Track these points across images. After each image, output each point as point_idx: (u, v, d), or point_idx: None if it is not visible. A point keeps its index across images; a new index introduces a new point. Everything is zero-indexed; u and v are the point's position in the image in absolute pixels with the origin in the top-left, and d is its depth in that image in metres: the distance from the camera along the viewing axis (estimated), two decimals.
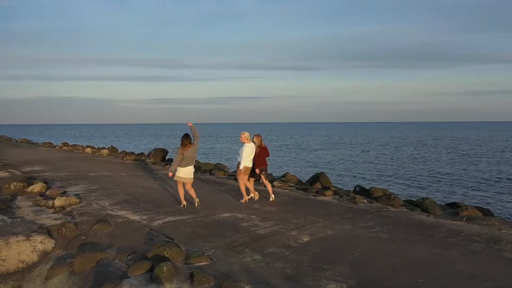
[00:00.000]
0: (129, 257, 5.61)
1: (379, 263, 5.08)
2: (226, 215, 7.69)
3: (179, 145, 8.12)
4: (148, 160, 17.10)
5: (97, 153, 21.77)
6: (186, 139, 8.03)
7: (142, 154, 20.00)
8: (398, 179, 21.90)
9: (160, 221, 7.25)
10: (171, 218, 7.44)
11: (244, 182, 8.75)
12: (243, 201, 8.81)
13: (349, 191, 11.36)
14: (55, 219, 7.70)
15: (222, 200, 9.17)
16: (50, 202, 8.65)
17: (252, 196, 8.89)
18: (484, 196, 17.01)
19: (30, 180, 12.10)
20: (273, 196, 8.98)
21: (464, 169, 25.71)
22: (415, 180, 21.40)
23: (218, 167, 17.06)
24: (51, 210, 8.39)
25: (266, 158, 8.96)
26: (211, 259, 5.31)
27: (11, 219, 7.56)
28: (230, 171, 16.01)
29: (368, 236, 6.28)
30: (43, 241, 6.67)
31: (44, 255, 6.48)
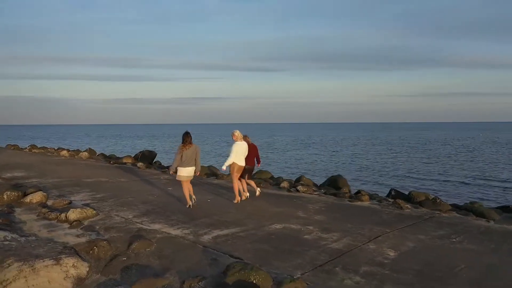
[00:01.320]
0: (200, 284, 4.65)
1: (502, 282, 4.48)
2: (278, 226, 6.84)
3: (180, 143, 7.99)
4: (139, 164, 15.77)
5: (76, 156, 20.02)
6: (187, 137, 7.91)
7: (129, 156, 18.53)
8: (406, 179, 21.51)
9: (209, 236, 6.28)
10: (219, 232, 6.49)
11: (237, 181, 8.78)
12: (235, 201, 8.70)
13: (376, 194, 10.78)
14: (77, 236, 6.51)
15: (258, 207, 8.29)
16: (63, 215, 7.39)
17: (247, 196, 8.97)
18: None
19: (18, 188, 10.61)
20: (258, 190, 9.41)
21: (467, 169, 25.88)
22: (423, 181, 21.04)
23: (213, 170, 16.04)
24: (66, 225, 7.15)
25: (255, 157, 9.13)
26: (307, 283, 4.47)
27: (23, 237, 6.31)
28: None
29: (455, 248, 5.69)
30: (75, 264, 5.50)
31: (79, 282, 5.33)
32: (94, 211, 7.69)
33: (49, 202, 8.81)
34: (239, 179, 8.86)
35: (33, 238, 6.40)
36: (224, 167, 8.50)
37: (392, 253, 5.44)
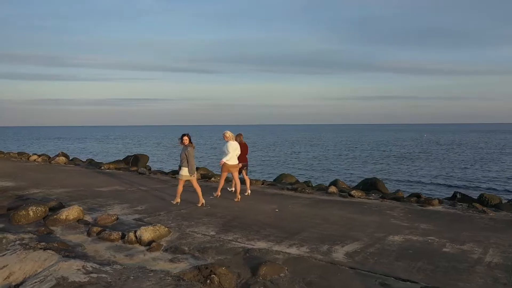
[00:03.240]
0: None
1: None
2: (396, 238, 6.04)
3: (188, 144, 8.07)
4: (143, 169, 14.13)
5: (52, 162, 17.68)
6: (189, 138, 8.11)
7: (118, 161, 16.64)
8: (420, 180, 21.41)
9: (338, 254, 5.33)
10: (345, 248, 5.54)
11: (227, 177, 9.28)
12: (215, 195, 9.10)
13: (431, 198, 10.32)
14: (171, 261, 5.23)
15: (341, 216, 7.44)
16: (131, 235, 5.99)
17: (233, 190, 9.21)
18: None
19: (23, 201, 8.82)
20: (249, 191, 9.61)
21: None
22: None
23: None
24: (141, 247, 5.79)
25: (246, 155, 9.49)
26: None
27: (107, 266, 4.92)
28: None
29: None
30: None
31: None
32: (166, 228, 6.37)
33: (88, 218, 7.30)
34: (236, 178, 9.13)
35: (119, 266, 5.04)
36: (222, 162, 8.75)
37: None
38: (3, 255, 5.24)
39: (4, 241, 5.82)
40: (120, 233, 6.21)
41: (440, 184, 19.73)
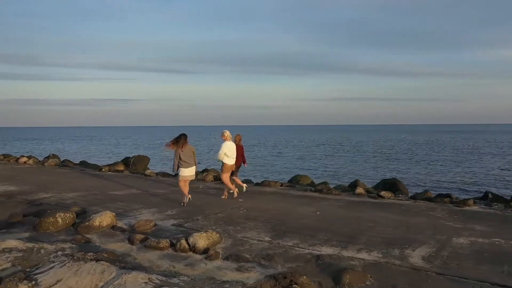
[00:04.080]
0: None
1: None
2: (462, 240, 5.80)
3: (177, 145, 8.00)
4: (149, 171, 13.50)
5: (46, 164, 16.73)
6: (180, 138, 7.96)
7: (115, 164, 15.88)
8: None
9: (414, 258, 5.03)
10: (418, 252, 5.25)
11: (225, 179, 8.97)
12: (223, 197, 8.93)
13: (465, 199, 10.14)
14: (238, 270, 4.79)
15: (388, 219, 7.19)
16: (183, 243, 5.51)
17: (232, 192, 9.01)
18: None
19: (37, 206, 8.18)
20: (245, 185, 9.59)
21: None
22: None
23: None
24: (197, 256, 5.31)
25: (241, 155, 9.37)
26: None
27: (174, 278, 4.45)
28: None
29: None
30: None
31: None
32: (217, 235, 5.92)
33: (121, 224, 6.75)
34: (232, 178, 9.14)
35: (186, 278, 4.58)
36: (218, 157, 8.69)
37: None
38: (51, 268, 4.68)
39: (42, 251, 5.23)
40: (168, 240, 5.73)
41: (441, 182, 19.89)
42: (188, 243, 5.55)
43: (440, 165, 29.35)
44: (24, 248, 5.29)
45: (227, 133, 8.74)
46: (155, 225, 6.67)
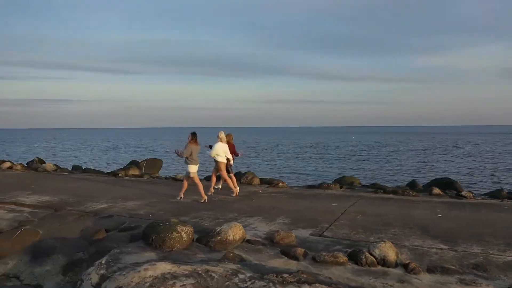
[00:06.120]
0: None
1: None
2: None
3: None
4: (181, 175, 12.21)
5: (39, 169, 14.64)
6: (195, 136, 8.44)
7: (129, 168, 14.20)
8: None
9: None
10: None
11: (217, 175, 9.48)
12: (234, 195, 9.18)
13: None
14: (468, 285, 4.14)
15: (479, 219, 6.88)
16: (369, 256, 4.72)
17: (219, 188, 9.70)
18: None
19: (106, 219, 6.89)
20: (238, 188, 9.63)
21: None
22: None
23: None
24: (396, 271, 4.55)
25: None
26: None
27: None
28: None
29: None
30: None
31: None
32: (390, 243, 5.18)
33: (250, 237, 5.76)
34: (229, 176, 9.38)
35: None
36: (211, 155, 9.01)
37: None
38: None
39: (215, 276, 4.17)
40: (343, 254, 4.89)
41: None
42: (373, 256, 4.77)
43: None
44: (186, 272, 4.21)
45: (223, 135, 9.14)
46: (296, 237, 5.75)
